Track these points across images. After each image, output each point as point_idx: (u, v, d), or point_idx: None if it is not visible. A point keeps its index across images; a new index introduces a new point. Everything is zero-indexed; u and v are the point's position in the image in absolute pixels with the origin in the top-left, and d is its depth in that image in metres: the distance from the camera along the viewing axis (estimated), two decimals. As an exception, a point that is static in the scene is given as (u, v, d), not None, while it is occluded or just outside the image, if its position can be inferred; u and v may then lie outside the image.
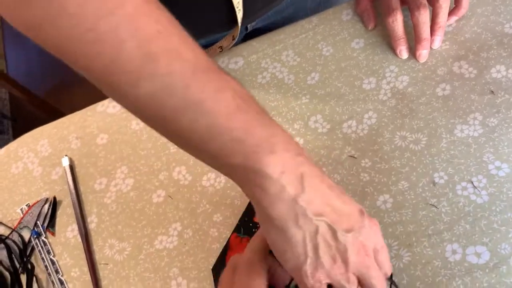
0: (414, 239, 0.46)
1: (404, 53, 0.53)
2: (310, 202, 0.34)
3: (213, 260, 0.50)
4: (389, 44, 0.55)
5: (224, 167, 0.36)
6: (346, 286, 0.35)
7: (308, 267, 0.35)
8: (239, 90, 0.34)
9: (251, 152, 0.33)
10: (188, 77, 0.32)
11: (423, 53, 0.53)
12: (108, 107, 0.61)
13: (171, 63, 0.32)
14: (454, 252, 0.44)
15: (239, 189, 0.49)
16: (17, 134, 1.82)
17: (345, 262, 0.35)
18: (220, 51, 0.61)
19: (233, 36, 0.58)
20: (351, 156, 0.51)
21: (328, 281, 0.35)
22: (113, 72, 0.32)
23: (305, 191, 0.34)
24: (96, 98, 0.61)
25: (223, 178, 0.54)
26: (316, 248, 0.35)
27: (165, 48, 0.32)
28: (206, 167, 0.54)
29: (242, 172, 0.34)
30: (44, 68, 1.99)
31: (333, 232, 0.34)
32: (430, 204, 0.47)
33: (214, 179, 0.54)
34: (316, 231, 0.34)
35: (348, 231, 0.35)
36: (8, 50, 2.08)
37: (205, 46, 0.61)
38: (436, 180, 0.48)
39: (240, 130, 0.33)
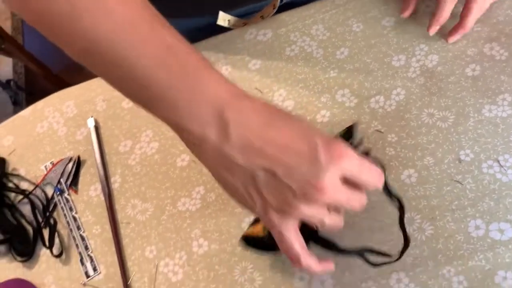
0: (437, 213, 0.46)
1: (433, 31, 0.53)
2: (238, 149, 0.33)
3: (234, 224, 0.50)
4: (420, 22, 0.55)
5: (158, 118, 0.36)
6: (314, 220, 0.36)
7: (259, 210, 0.35)
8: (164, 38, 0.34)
9: (172, 107, 0.33)
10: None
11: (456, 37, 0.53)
12: (135, 72, 0.62)
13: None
14: (477, 227, 0.44)
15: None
16: (30, 108, 1.83)
17: (290, 203, 0.34)
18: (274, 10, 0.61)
19: (274, 5, 0.58)
20: (378, 131, 0.51)
21: (289, 218, 0.36)
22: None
23: (231, 138, 0.33)
24: None
25: (247, 146, 0.54)
26: (259, 192, 0.34)
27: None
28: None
29: (169, 125, 0.34)
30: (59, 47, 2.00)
31: (272, 174, 0.33)
32: (455, 181, 0.47)
33: (238, 147, 0.54)
34: (253, 177, 0.33)
35: (292, 168, 0.33)
36: (26, 26, 2.09)
37: (246, 15, 0.61)
38: (462, 157, 0.48)
39: (162, 86, 0.33)
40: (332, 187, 0.34)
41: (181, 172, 0.54)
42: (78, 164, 0.57)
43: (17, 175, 0.59)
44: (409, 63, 0.54)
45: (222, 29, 0.63)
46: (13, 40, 1.58)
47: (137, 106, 0.39)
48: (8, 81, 1.49)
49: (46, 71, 1.71)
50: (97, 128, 0.59)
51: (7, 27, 2.06)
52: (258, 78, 0.58)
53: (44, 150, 0.60)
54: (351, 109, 0.53)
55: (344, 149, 0.34)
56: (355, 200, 0.37)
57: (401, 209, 0.44)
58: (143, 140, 0.57)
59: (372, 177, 0.37)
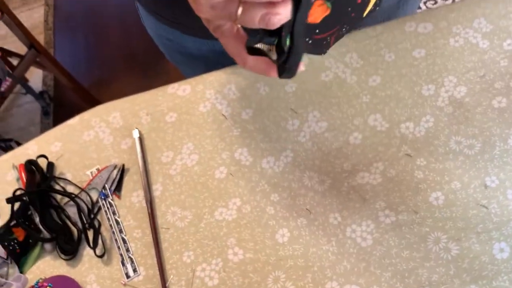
0: (463, 234, 0.49)
1: None
2: None
3: (268, 235, 0.53)
4: (449, 56, 0.59)
5: None
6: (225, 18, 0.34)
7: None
8: None
9: None
10: None
11: None
12: (178, 90, 0.66)
13: None
14: (501, 250, 0.47)
15: (297, 173, 0.54)
16: (58, 119, 1.90)
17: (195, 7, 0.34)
18: None
19: None
20: (407, 155, 0.55)
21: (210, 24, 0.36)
22: None
23: None
24: (134, 92, 0.67)
25: (281, 163, 0.58)
26: None
27: None
28: (266, 151, 0.58)
29: None
30: (88, 62, 2.07)
31: None
32: (481, 205, 0.50)
33: (273, 163, 0.58)
34: None
35: None
36: (58, 39, 2.18)
37: None
38: (488, 183, 0.51)
39: None
40: None
41: (219, 184, 0.58)
42: (122, 171, 0.61)
43: (64, 179, 0.63)
44: (438, 93, 0.57)
45: None
46: (47, 53, 1.65)
47: None
48: (41, 93, 1.55)
49: (75, 84, 1.78)
50: (141, 139, 0.63)
51: (40, 41, 2.14)
52: (294, 99, 0.62)
53: (90, 156, 0.64)
54: (382, 133, 0.57)
55: None
56: None
57: None
58: (184, 152, 0.61)
59: None
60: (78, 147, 0.65)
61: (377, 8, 0.43)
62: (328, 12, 0.39)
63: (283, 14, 0.32)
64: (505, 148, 0.52)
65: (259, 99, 0.63)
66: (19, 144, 1.51)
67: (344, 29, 0.42)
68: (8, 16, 1.46)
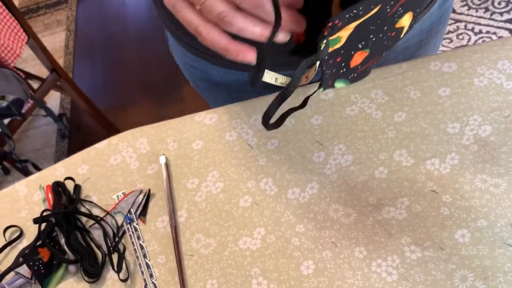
0: (490, 273, 0.49)
1: None
2: None
3: (293, 266, 0.54)
4: (473, 96, 0.60)
5: None
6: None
7: None
8: None
9: None
10: None
11: None
12: (205, 118, 0.68)
13: None
14: (529, 290, 0.47)
15: (323, 205, 0.54)
16: (73, 142, 1.93)
17: None
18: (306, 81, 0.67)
19: (306, 77, 0.64)
20: (433, 191, 0.55)
21: None
22: None
23: None
24: (149, 119, 0.68)
25: (307, 194, 0.58)
26: None
27: None
28: (292, 182, 0.59)
29: None
30: (105, 87, 2.12)
31: None
32: (507, 244, 0.50)
33: (299, 194, 0.58)
34: None
35: None
36: (77, 64, 2.23)
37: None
38: (514, 222, 0.51)
39: None
40: None
41: (244, 212, 0.59)
42: (148, 196, 0.62)
43: (90, 202, 0.63)
44: (463, 131, 0.58)
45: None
46: (67, 77, 1.69)
47: None
48: (60, 115, 1.58)
49: (92, 108, 1.81)
50: (167, 165, 0.64)
51: (60, 65, 2.19)
52: (319, 132, 0.63)
53: (116, 180, 0.65)
54: (407, 168, 0.57)
55: None
56: None
57: None
58: (209, 179, 0.62)
59: None
60: (105, 171, 0.66)
61: (410, 29, 0.44)
62: (367, 54, 0.41)
63: (240, 23, 0.35)
64: (531, 188, 0.52)
65: (285, 130, 0.64)
66: (35, 165, 1.53)
67: (384, 54, 0.44)
68: (33, 40, 1.51)
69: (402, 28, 0.42)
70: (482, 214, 0.52)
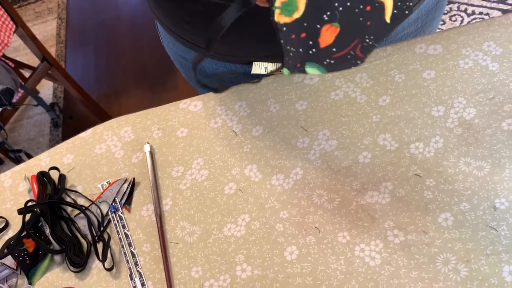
0: (472, 256, 0.49)
1: None
2: None
3: (277, 252, 0.54)
4: (458, 78, 0.60)
5: None
6: None
7: None
8: None
9: None
10: None
11: None
12: (190, 105, 0.67)
13: None
14: (511, 273, 0.47)
15: (306, 191, 0.54)
16: (67, 131, 1.92)
17: None
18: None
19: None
20: (417, 175, 0.55)
21: None
22: None
23: None
24: (142, 106, 0.68)
25: (291, 180, 0.58)
26: None
27: None
28: (276, 168, 0.59)
29: None
30: (98, 75, 2.10)
31: None
32: (490, 227, 0.50)
33: (283, 180, 0.58)
34: None
35: None
36: (69, 52, 2.21)
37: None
38: (497, 205, 0.51)
39: None
40: None
41: (228, 200, 0.58)
42: (133, 185, 0.62)
43: (75, 191, 0.63)
44: (447, 114, 0.58)
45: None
46: (59, 66, 1.68)
47: None
48: (52, 104, 1.57)
49: (85, 97, 1.80)
50: (152, 153, 0.64)
51: (52, 53, 2.18)
52: (304, 117, 0.63)
53: (101, 170, 0.65)
54: (391, 153, 0.57)
55: None
56: None
57: None
58: (194, 167, 0.62)
59: None
60: (90, 160, 0.66)
61: (407, 12, 0.41)
62: (338, 30, 0.40)
63: None
64: (514, 170, 0.52)
65: (270, 116, 0.64)
66: (28, 155, 1.53)
67: (368, 40, 0.42)
68: (22, 29, 1.49)
69: (381, 3, 0.40)
70: (465, 197, 0.52)
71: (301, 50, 0.42)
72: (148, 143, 0.65)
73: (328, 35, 0.40)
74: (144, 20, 2.16)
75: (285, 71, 0.45)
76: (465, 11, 1.73)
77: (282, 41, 0.42)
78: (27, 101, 1.56)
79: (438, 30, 0.72)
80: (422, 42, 0.64)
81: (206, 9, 0.58)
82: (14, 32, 1.45)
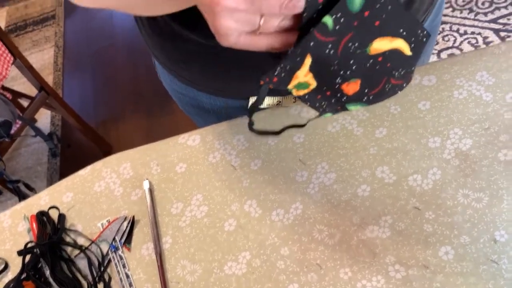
0: (474, 291, 0.49)
1: None
2: None
3: (279, 290, 0.53)
4: (453, 109, 0.60)
5: None
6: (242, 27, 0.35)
7: None
8: None
9: None
10: None
11: None
12: (188, 140, 0.68)
13: None
14: (513, 307, 0.47)
15: (307, 226, 0.54)
16: (65, 160, 1.92)
17: (212, 23, 0.35)
18: (294, 101, 0.67)
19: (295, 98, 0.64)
20: (416, 208, 0.55)
21: (225, 38, 0.36)
22: None
23: None
24: (140, 132, 0.68)
25: (291, 215, 0.58)
26: None
27: None
28: (276, 203, 0.59)
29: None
30: (95, 102, 2.11)
31: None
32: (491, 260, 0.50)
33: (283, 215, 0.58)
34: None
35: None
36: (66, 79, 2.23)
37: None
38: (497, 238, 0.51)
39: None
40: None
41: (229, 237, 0.58)
42: (133, 223, 0.62)
43: (75, 231, 0.63)
44: (444, 145, 0.58)
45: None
46: (56, 95, 1.69)
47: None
48: (50, 134, 1.57)
49: (83, 125, 1.80)
50: (151, 190, 0.64)
51: (49, 82, 2.19)
52: (302, 150, 0.63)
53: (100, 208, 0.65)
54: (390, 185, 0.57)
55: None
56: (267, 4, 0.33)
57: None
58: (194, 203, 0.62)
59: None
60: (89, 198, 0.66)
61: (425, 39, 0.40)
62: (359, 81, 0.41)
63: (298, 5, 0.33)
64: (513, 201, 0.52)
65: (268, 150, 0.64)
66: (26, 185, 1.53)
67: (397, 73, 0.42)
68: (20, 59, 1.51)
69: (392, 50, 0.40)
70: (465, 230, 0.52)
71: (333, 101, 0.43)
72: (147, 179, 0.65)
73: (351, 87, 0.41)
74: (140, 46, 2.19)
75: (327, 115, 0.46)
76: (457, 31, 1.76)
77: (308, 104, 0.43)
78: (25, 131, 1.56)
79: (431, 61, 0.73)
80: (416, 73, 0.65)
81: (200, 48, 0.59)
82: (12, 63, 1.46)
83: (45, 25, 2.45)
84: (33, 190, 1.50)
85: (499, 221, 0.52)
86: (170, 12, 0.46)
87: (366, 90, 0.42)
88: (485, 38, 1.70)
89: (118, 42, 2.28)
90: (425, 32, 0.38)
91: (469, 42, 1.71)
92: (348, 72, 0.39)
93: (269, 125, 0.66)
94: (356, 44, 0.37)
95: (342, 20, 0.35)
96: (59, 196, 0.67)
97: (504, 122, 0.58)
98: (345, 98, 0.43)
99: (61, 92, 2.17)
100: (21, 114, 1.47)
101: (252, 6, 0.34)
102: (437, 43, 1.74)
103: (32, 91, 1.69)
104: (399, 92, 0.44)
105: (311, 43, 0.35)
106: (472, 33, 1.72)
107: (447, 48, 1.73)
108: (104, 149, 1.87)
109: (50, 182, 1.84)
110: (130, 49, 2.23)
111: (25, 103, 1.71)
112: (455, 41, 1.73)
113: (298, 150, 0.63)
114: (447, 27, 1.77)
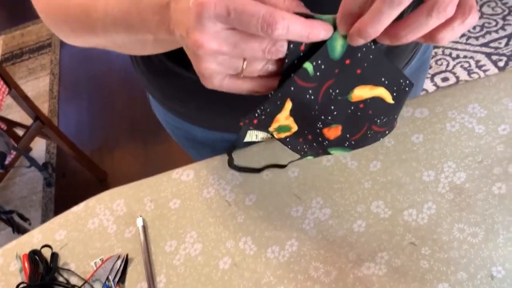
0: (473, 329, 0.48)
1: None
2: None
3: (275, 331, 0.52)
4: (447, 140, 0.61)
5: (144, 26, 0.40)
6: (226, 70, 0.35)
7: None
8: None
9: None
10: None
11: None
12: (182, 175, 0.67)
13: None
14: None
15: (303, 263, 0.53)
16: (60, 189, 1.91)
17: (195, 64, 0.35)
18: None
19: None
20: (412, 243, 0.55)
21: (208, 79, 0.36)
22: None
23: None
24: (135, 160, 0.68)
25: (287, 252, 0.57)
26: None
27: None
28: (271, 239, 0.59)
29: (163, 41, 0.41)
30: (90, 129, 2.11)
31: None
32: (489, 297, 0.49)
33: (278, 252, 0.58)
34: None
35: (180, 25, 0.35)
36: (62, 107, 2.23)
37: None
38: (494, 273, 0.50)
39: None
40: (208, 40, 0.33)
41: (223, 275, 0.58)
42: (126, 261, 0.61)
43: (68, 270, 0.62)
44: (438, 179, 0.58)
45: None
46: (51, 124, 1.69)
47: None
48: (44, 164, 1.57)
49: (78, 153, 1.80)
50: (144, 227, 0.63)
51: (45, 109, 2.20)
52: (296, 184, 0.63)
53: (94, 246, 0.64)
54: (385, 220, 0.57)
55: None
56: (251, 48, 0.33)
57: None
58: (188, 241, 0.61)
59: (252, 17, 0.31)
60: (83, 236, 0.65)
61: (407, 89, 0.40)
62: (340, 127, 0.41)
63: (282, 50, 0.34)
64: (508, 236, 0.52)
65: (262, 185, 0.64)
66: (20, 215, 1.51)
67: (379, 121, 0.42)
68: (15, 90, 1.51)
69: (374, 98, 0.40)
70: (462, 266, 0.52)
71: (315, 144, 0.43)
72: (140, 216, 0.64)
73: (332, 132, 0.41)
74: (136, 73, 2.20)
75: (309, 157, 0.47)
76: (450, 55, 1.78)
77: (290, 147, 0.43)
78: (19, 161, 1.56)
79: (423, 92, 0.73)
80: (408, 106, 0.66)
81: (194, 86, 0.59)
82: (7, 94, 1.46)
83: (41, 53, 2.47)
84: (27, 221, 1.48)
85: (496, 257, 0.51)
86: (160, 52, 0.47)
87: (347, 135, 0.42)
88: (477, 61, 1.72)
89: (114, 68, 2.29)
90: (407, 81, 0.38)
91: (461, 66, 1.73)
92: (329, 118, 0.39)
93: (249, 162, 0.66)
94: (337, 91, 0.37)
95: (323, 67, 0.35)
96: (52, 233, 0.67)
97: (497, 155, 0.58)
98: (326, 142, 0.43)
99: (56, 120, 2.17)
100: (15, 145, 1.46)
101: (235, 50, 0.34)
102: (431, 67, 1.76)
103: (27, 119, 1.69)
104: (380, 140, 0.44)
105: (292, 88, 0.36)
106: (465, 57, 1.75)
107: (440, 72, 1.75)
108: (99, 177, 1.86)
109: (45, 211, 1.82)
110: (126, 76, 2.25)
111: (20, 132, 1.70)
112: (448, 65, 1.75)
113: (293, 185, 0.63)
114: (439, 51, 1.79)
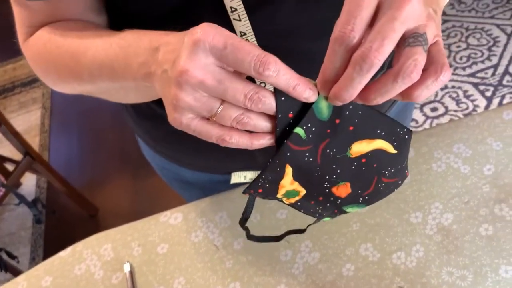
0: None
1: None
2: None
3: None
4: (433, 182, 0.61)
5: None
6: (201, 112, 0.35)
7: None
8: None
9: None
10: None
11: None
12: (170, 218, 0.67)
13: None
14: None
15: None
16: (50, 225, 1.88)
17: (171, 94, 0.35)
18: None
19: None
20: (401, 287, 0.54)
21: (182, 112, 0.36)
22: None
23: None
24: (126, 194, 0.68)
25: (276, 297, 0.57)
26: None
27: None
28: (260, 286, 0.58)
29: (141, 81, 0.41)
30: (81, 164, 2.10)
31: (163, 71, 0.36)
32: None
33: (267, 298, 0.57)
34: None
35: (167, 54, 0.35)
36: (53, 141, 2.22)
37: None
38: (484, 319, 0.50)
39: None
40: (195, 68, 0.33)
41: (212, 322, 0.57)
42: (113, 310, 0.60)
43: (53, 319, 0.61)
44: (426, 221, 0.58)
45: None
46: (42, 159, 1.68)
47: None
48: (34, 201, 1.55)
49: (68, 188, 1.78)
50: (132, 273, 0.62)
51: (35, 143, 2.19)
52: (285, 227, 0.62)
53: (80, 293, 0.63)
54: (374, 264, 0.57)
55: (209, 27, 0.33)
56: (234, 89, 0.34)
57: None
58: (176, 287, 0.60)
59: (245, 57, 0.33)
60: (69, 282, 0.64)
61: (407, 136, 0.40)
62: (349, 184, 0.41)
63: (254, 120, 0.35)
64: (496, 279, 0.52)
65: (251, 228, 0.63)
66: (8, 253, 1.48)
67: (387, 172, 0.41)
68: (5, 125, 1.51)
69: (376, 149, 0.40)
70: (452, 311, 0.51)
71: (328, 205, 0.43)
72: (128, 262, 0.63)
73: (342, 190, 0.41)
74: (124, 116, 2.20)
75: (326, 219, 0.47)
76: (437, 85, 1.80)
77: (302, 211, 0.43)
78: (8, 198, 1.54)
79: (412, 123, 0.74)
80: (394, 146, 0.66)
81: (179, 130, 0.60)
82: (-3, 131, 1.46)
83: (32, 87, 2.47)
84: (15, 259, 1.45)
85: (485, 301, 0.51)
86: (142, 102, 0.47)
87: (359, 191, 0.42)
88: (465, 91, 1.75)
89: (105, 104, 2.30)
90: (404, 129, 0.39)
91: (450, 96, 1.75)
92: (334, 176, 0.40)
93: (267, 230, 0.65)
94: (334, 150, 0.38)
95: (314, 129, 0.36)
96: (37, 281, 0.65)
97: (483, 196, 0.58)
98: (339, 201, 0.43)
99: (47, 154, 2.16)
100: (5, 182, 1.45)
101: (218, 86, 0.34)
102: (418, 98, 1.78)
103: (17, 154, 1.68)
104: (394, 190, 0.44)
105: (288, 154, 0.36)
106: (453, 87, 1.77)
107: (429, 102, 1.77)
108: (90, 212, 1.84)
109: (34, 247, 1.79)
110: (117, 111, 2.25)
111: (10, 166, 1.69)
112: (436, 95, 1.77)
113: (281, 227, 0.63)
114: (426, 82, 1.81)
